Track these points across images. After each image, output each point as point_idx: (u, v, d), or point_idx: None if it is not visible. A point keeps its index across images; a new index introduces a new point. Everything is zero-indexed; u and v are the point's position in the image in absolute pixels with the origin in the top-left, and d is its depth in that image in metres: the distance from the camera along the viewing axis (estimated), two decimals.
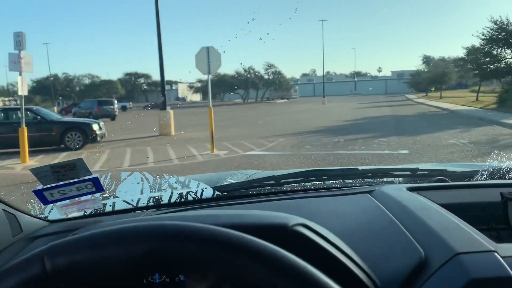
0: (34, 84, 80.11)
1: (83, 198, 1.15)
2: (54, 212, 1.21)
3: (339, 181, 1.47)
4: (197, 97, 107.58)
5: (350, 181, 1.47)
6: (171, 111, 17.45)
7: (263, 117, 26.60)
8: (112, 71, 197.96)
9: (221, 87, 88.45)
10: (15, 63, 10.30)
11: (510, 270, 0.67)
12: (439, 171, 1.48)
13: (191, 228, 0.59)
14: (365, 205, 1.09)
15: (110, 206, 1.30)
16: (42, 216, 1.23)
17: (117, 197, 1.34)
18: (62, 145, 13.21)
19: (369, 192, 1.19)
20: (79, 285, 0.57)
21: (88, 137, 13.27)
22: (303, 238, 0.71)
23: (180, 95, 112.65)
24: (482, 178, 1.42)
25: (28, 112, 13.14)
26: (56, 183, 1.06)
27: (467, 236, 0.79)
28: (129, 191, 1.36)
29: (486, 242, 0.76)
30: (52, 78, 77.29)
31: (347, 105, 38.99)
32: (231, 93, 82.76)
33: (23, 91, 10.57)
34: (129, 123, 23.86)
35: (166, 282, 0.70)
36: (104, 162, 10.44)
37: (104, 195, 1.30)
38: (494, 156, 1.58)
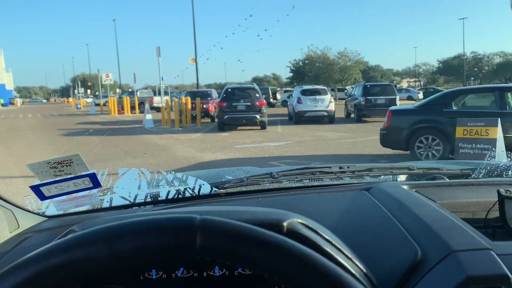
0: (440, 65, 77.12)
1: (80, 193, 1.15)
2: (51, 207, 1.19)
3: (337, 178, 1.45)
4: None
5: (348, 178, 1.44)
6: None
7: None
8: None
9: None
10: None
11: (505, 268, 0.68)
12: (436, 169, 1.48)
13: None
14: (363, 202, 1.09)
15: (107, 202, 1.29)
16: (39, 211, 1.22)
17: (115, 193, 1.32)
18: None
19: (366, 189, 1.18)
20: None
21: None
22: (299, 235, 0.70)
23: None
24: (480, 176, 1.42)
25: None
26: (53, 179, 1.05)
27: (463, 233, 0.79)
28: (126, 187, 1.33)
29: (482, 240, 0.76)
30: (458, 58, 71.68)
31: None
32: None
33: None
34: None
35: (162, 278, 0.76)
36: None
37: (101, 191, 1.28)
38: (492, 154, 1.81)
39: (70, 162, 1.03)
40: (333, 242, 0.73)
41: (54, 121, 24.62)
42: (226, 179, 1.46)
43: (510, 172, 1.43)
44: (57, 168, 1.03)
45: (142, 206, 1.27)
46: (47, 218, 1.21)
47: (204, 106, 19.17)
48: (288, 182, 1.40)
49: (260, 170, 1.68)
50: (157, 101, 30.24)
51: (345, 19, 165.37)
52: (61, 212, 1.20)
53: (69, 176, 1.06)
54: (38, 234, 1.09)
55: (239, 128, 16.04)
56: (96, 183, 1.10)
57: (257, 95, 15.69)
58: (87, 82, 79.47)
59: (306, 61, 40.35)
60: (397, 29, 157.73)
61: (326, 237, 0.74)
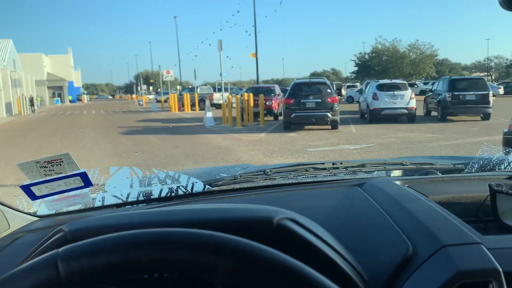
0: None
1: (72, 193, 1.13)
2: (43, 207, 1.18)
3: (330, 174, 1.43)
4: None
5: (342, 174, 1.43)
6: None
7: None
8: None
9: None
10: None
11: (496, 262, 0.68)
12: (429, 164, 1.48)
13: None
14: (355, 198, 1.09)
15: (99, 201, 1.27)
16: (30, 211, 1.21)
17: (107, 191, 1.30)
18: None
19: (359, 185, 1.17)
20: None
21: None
22: (289, 232, 0.70)
23: None
24: (472, 171, 1.42)
25: None
26: (43, 178, 1.04)
27: (454, 228, 0.79)
28: (118, 185, 1.31)
29: (473, 234, 0.76)
30: None
31: None
32: None
33: None
34: None
35: (154, 277, 0.75)
36: None
37: (93, 190, 1.25)
38: (484, 149, 1.54)
39: (60, 162, 1.02)
40: (324, 238, 0.73)
41: (116, 118, 24.45)
42: (220, 177, 1.42)
43: (502, 167, 1.42)
44: (47, 167, 1.02)
45: (135, 205, 1.25)
46: (38, 218, 1.19)
47: (267, 103, 17.71)
48: (281, 179, 1.39)
49: (254, 167, 1.62)
50: (217, 97, 29.47)
51: (409, 10, 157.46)
52: (53, 212, 1.18)
53: (60, 175, 1.04)
54: (29, 234, 1.06)
55: (306, 127, 14.53)
56: (87, 182, 1.09)
57: (329, 90, 14.01)
58: (149, 79, 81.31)
59: (373, 54, 37.63)
60: (467, 20, 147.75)
61: (317, 233, 0.73)
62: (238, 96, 17.44)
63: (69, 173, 1.05)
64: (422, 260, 0.72)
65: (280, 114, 18.63)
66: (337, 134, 13.03)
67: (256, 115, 17.20)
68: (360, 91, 24.92)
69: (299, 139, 12.06)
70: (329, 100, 13.66)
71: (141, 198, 1.27)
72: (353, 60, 40.89)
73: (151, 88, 77.79)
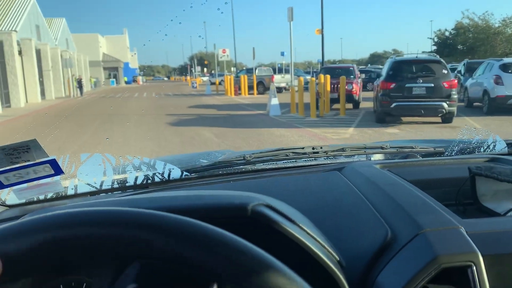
0: None
1: (42, 181, 1.08)
2: (12, 196, 1.15)
3: (310, 159, 1.43)
4: None
5: (322, 159, 1.44)
6: None
7: None
8: None
9: None
10: None
11: (475, 246, 0.68)
12: (410, 148, 1.47)
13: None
14: (334, 182, 1.08)
15: (72, 189, 1.24)
16: None
17: (79, 179, 1.26)
18: None
19: (338, 169, 1.17)
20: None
21: None
22: (264, 218, 0.69)
23: None
24: (452, 154, 1.42)
25: None
26: (10, 166, 0.99)
27: (434, 212, 0.79)
28: (91, 173, 1.28)
29: (452, 218, 0.76)
30: None
31: None
32: None
33: None
34: None
35: None
36: None
37: (65, 178, 1.23)
38: (464, 132, 1.56)
39: (27, 148, 0.97)
40: (301, 225, 0.72)
41: (167, 102, 21.96)
42: (199, 163, 1.40)
43: (482, 149, 1.44)
44: (13, 155, 0.97)
45: (110, 193, 1.23)
46: (8, 208, 1.17)
47: (347, 87, 14.14)
48: (261, 164, 1.39)
49: (234, 153, 1.60)
50: (278, 80, 26.21)
51: None
52: (23, 201, 1.16)
53: (28, 163, 1.00)
54: None
55: (404, 119, 10.99)
56: (57, 170, 1.04)
57: (444, 71, 10.27)
58: (204, 61, 79.34)
59: (460, 30, 32.38)
60: None
61: (294, 219, 0.72)
62: (313, 78, 14.04)
63: (37, 161, 0.99)
64: (401, 245, 0.72)
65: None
66: (456, 131, 9.42)
67: (332, 102, 13.82)
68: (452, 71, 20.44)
69: (406, 138, 8.61)
70: (445, 84, 9.96)
71: (115, 185, 1.25)
72: (431, 38, 35.79)
73: (205, 69, 75.82)
